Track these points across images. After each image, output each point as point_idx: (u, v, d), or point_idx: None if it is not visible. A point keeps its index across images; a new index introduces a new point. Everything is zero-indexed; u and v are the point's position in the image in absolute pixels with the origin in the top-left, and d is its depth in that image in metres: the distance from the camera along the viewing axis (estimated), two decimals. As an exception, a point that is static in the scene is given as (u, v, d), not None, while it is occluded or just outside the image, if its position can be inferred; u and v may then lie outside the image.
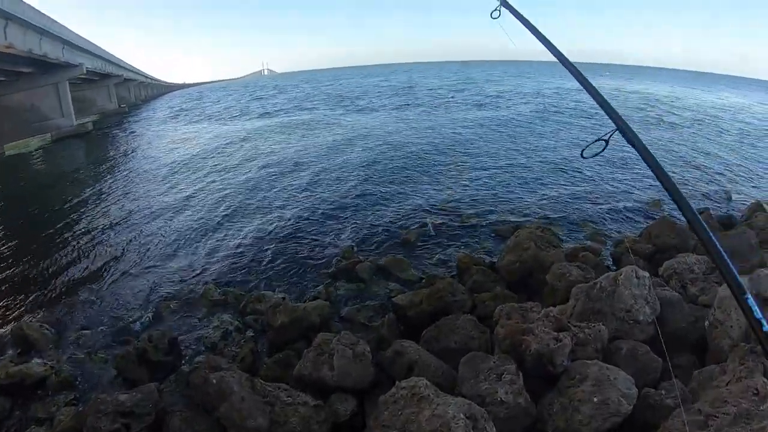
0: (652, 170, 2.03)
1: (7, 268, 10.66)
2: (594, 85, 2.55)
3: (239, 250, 10.74)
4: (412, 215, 12.03)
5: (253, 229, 11.92)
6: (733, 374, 4.27)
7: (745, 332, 4.91)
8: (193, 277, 9.70)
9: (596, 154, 2.36)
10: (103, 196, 16.67)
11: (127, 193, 16.80)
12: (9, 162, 27.17)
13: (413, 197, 13.60)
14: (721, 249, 1.68)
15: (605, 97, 2.43)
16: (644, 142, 2.13)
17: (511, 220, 11.56)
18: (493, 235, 10.74)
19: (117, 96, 62.48)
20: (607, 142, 2.28)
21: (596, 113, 25.80)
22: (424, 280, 8.41)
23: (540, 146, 20.95)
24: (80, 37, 38.16)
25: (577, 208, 12.59)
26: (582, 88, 2.57)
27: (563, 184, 14.99)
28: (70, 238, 12.33)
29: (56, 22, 31.02)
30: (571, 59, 2.90)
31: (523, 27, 3.15)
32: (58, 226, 13.37)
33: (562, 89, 44.89)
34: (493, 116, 29.87)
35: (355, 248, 10.10)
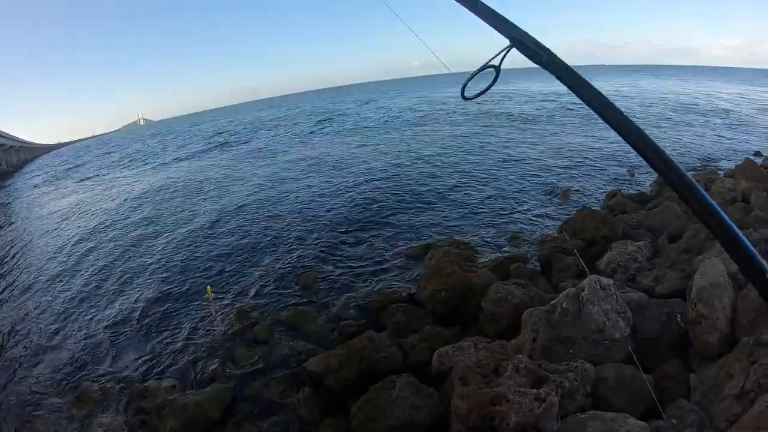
0: (588, 105, 1.17)
1: None
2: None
3: (118, 326, 8.81)
4: (303, 255, 10.49)
5: (130, 299, 9.95)
6: (745, 376, 3.51)
7: (731, 321, 4.30)
8: (70, 370, 7.69)
9: (484, 92, 1.42)
10: None
11: None
12: None
13: (296, 233, 12.07)
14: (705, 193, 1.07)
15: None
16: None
17: (417, 239, 10.39)
18: (403, 259, 9.44)
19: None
20: (498, 69, 1.36)
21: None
22: (336, 332, 6.92)
23: (411, 155, 20.30)
24: None
25: (481, 214, 11.76)
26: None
27: (459, 189, 14.22)
28: None
29: None
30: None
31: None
32: None
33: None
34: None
35: (248, 308, 8.33)
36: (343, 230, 11.58)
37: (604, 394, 3.77)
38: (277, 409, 5.59)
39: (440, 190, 14.22)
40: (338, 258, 9.99)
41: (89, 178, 36.03)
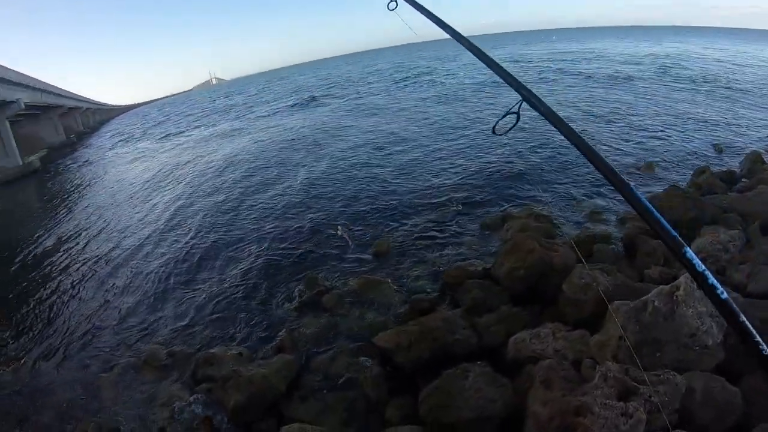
0: (561, 133, 1.79)
1: None
2: (496, 59, 2.24)
3: (189, 292, 9.01)
4: (379, 219, 10.39)
5: (205, 264, 10.17)
6: None
7: None
8: (137, 335, 7.99)
9: (509, 130, 2.10)
10: (48, 240, 14.85)
11: (76, 233, 15.00)
12: None
13: (374, 195, 12.03)
14: (647, 202, 1.47)
15: (510, 71, 2.13)
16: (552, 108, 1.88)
17: (494, 207, 10.08)
18: (478, 229, 9.17)
19: (63, 127, 59.64)
20: (518, 114, 2.04)
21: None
22: (408, 306, 6.75)
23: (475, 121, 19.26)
24: (14, 71, 35.40)
25: (559, 184, 11.21)
26: (485, 65, 2.29)
27: (537, 152, 13.68)
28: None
29: None
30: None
31: (420, 14, 3.06)
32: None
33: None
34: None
35: (320, 274, 8.29)
36: (419, 195, 11.40)
37: (691, 408, 3.47)
38: (344, 384, 5.53)
39: (521, 152, 13.75)
40: (413, 224, 9.82)
41: (173, 134, 37.55)
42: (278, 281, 8.53)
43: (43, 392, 7.15)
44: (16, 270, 12.46)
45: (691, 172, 10.70)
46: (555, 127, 1.81)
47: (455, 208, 10.26)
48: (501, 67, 2.16)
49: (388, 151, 16.50)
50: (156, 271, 10.37)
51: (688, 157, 12.68)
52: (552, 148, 13.56)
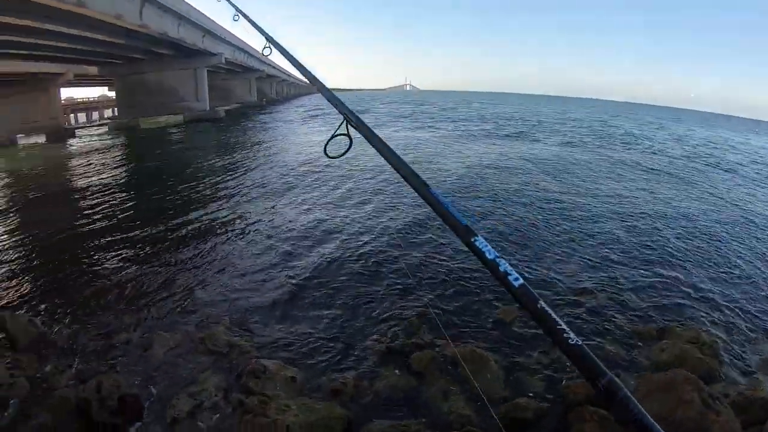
0: (377, 151, 1.87)
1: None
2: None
3: (288, 279, 8.17)
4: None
5: (323, 255, 9.24)
6: None
7: None
8: (217, 308, 7.30)
9: (343, 154, 2.17)
10: (210, 179, 17.08)
11: (230, 181, 16.58)
12: (146, 134, 33.74)
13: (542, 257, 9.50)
14: (440, 196, 1.54)
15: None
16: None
17: (655, 310, 7.29)
18: (628, 333, 6.59)
19: (257, 90, 65.34)
20: (349, 137, 2.12)
21: None
22: (503, 408, 4.85)
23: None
24: (222, 27, 39.64)
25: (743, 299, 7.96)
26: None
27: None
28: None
29: (197, 10, 32.22)
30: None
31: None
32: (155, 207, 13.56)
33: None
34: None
35: (424, 326, 6.55)
36: (585, 267, 8.95)
37: None
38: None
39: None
40: (558, 298, 7.57)
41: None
42: (381, 310, 7.11)
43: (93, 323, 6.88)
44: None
45: None
46: (370, 144, 1.89)
47: (615, 297, 7.69)
48: (333, 94, 2.46)
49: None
50: (272, 245, 9.92)
51: None
52: None
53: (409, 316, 6.80)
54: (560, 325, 1.11)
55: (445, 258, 8.94)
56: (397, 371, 5.57)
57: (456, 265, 8.58)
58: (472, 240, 1.34)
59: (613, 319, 6.86)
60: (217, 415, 4.76)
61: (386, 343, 6.14)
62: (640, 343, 6.32)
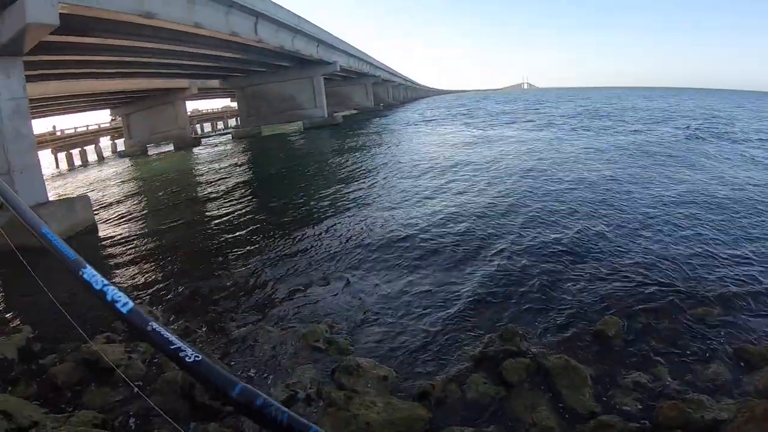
0: None
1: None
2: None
3: (380, 288, 8.33)
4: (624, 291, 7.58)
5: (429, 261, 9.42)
6: None
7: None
8: (316, 306, 7.80)
9: None
10: (325, 182, 18.39)
11: (351, 184, 17.48)
12: (267, 140, 36.69)
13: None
14: (44, 227, 1.53)
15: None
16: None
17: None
18: (732, 355, 5.82)
19: (374, 95, 67.22)
20: None
21: None
22: (590, 424, 4.59)
23: None
24: (335, 37, 41.47)
25: None
26: None
27: None
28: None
29: (309, 22, 34.05)
30: None
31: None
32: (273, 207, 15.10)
33: None
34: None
35: (521, 331, 6.40)
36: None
37: None
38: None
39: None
40: (664, 314, 6.86)
41: (481, 126, 37.94)
42: (478, 316, 7.12)
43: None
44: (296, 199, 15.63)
45: None
46: None
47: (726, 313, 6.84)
48: None
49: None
50: (388, 243, 10.49)
51: None
52: None
53: (506, 323, 6.72)
54: (174, 345, 1.10)
55: (544, 263, 8.74)
56: (487, 377, 5.54)
57: (557, 271, 8.36)
58: (81, 272, 1.36)
59: (720, 341, 6.19)
60: (308, 407, 5.08)
61: (480, 348, 6.13)
62: (743, 364, 5.62)
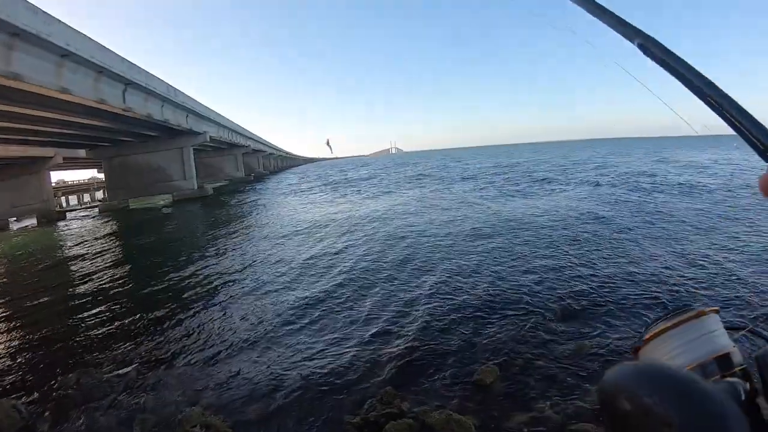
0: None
1: None
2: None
3: (258, 362, 7.99)
4: (498, 342, 7.87)
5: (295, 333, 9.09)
6: None
7: None
8: (197, 390, 7.16)
9: None
10: (198, 258, 17.37)
11: (219, 257, 17.22)
12: (135, 214, 35.13)
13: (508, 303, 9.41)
14: None
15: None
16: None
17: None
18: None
19: (245, 165, 66.43)
20: None
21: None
22: None
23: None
24: (205, 107, 40.97)
25: None
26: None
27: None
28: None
29: (180, 92, 33.26)
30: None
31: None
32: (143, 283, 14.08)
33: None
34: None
35: (398, 393, 6.38)
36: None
37: None
38: None
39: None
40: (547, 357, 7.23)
41: (347, 193, 39.17)
42: (357, 382, 6.98)
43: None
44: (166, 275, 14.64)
45: None
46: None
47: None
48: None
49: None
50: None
51: None
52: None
53: (385, 386, 6.66)
54: None
55: (420, 321, 8.97)
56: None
57: (433, 328, 8.61)
58: None
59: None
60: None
61: (362, 414, 6.04)
62: None
